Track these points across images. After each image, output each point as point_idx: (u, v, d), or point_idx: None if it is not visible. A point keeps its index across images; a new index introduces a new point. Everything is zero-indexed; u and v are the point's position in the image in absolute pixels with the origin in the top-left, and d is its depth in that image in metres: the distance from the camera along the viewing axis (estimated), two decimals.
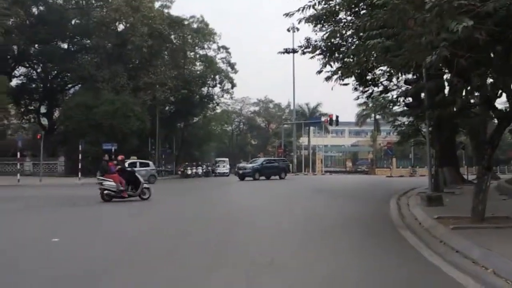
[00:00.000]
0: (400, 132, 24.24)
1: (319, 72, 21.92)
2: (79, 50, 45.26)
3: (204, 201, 18.33)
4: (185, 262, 6.65)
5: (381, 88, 24.00)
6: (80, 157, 30.92)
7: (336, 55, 20.57)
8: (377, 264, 6.53)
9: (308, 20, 18.16)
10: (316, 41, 20.50)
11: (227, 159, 58.76)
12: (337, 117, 51.38)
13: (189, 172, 42.48)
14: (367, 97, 24.23)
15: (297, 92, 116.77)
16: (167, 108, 51.33)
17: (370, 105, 67.59)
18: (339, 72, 21.69)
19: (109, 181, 16.07)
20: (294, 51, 20.83)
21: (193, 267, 6.27)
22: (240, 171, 37.69)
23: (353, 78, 23.12)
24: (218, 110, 71.61)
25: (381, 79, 23.80)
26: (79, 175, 30.24)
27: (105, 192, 16.04)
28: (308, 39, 20.37)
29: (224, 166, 52.24)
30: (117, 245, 8.08)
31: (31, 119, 49.15)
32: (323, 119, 61.15)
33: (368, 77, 23.36)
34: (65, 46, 46.79)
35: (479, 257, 6.45)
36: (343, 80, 22.22)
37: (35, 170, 36.22)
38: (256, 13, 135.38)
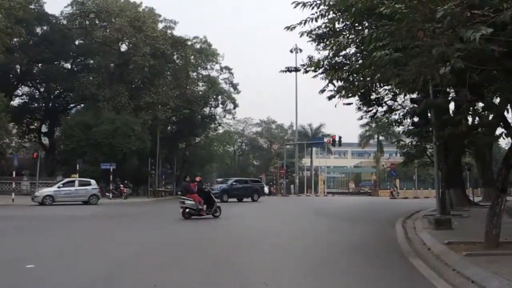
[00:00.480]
0: (405, 153, 23.67)
1: (322, 91, 21.56)
2: (82, 70, 45.13)
3: (196, 225, 17.69)
4: None
5: (385, 108, 23.59)
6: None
7: (340, 74, 20.25)
8: None
9: (309, 34, 17.76)
10: (318, 59, 20.18)
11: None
12: (340, 137, 50.85)
13: None
14: (371, 117, 23.75)
15: (300, 113, 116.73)
16: (168, 128, 51.08)
17: (373, 125, 67.65)
18: (343, 91, 21.37)
19: (190, 200, 17.44)
20: (296, 69, 20.47)
21: None
22: None
23: (356, 97, 22.79)
24: (220, 130, 71.45)
25: (386, 99, 23.44)
26: None
27: (186, 210, 17.39)
28: (310, 58, 20.04)
29: None
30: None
31: (32, 138, 48.94)
32: (325, 139, 60.71)
33: (372, 97, 22.99)
34: (68, 66, 46.82)
35: None
36: (347, 97, 21.89)
37: (32, 190, 35.64)
38: (260, 34, 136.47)
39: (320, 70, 20.16)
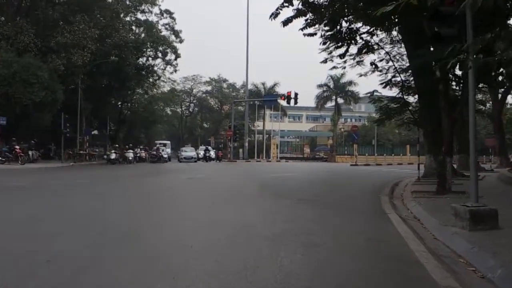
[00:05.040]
0: (382, 107, 17.84)
1: (275, 15, 15.20)
2: None
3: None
4: None
5: (359, 45, 17.63)
6: None
7: None
8: None
9: None
10: None
11: (168, 142, 51.56)
12: (296, 94, 44.58)
13: (112, 156, 34.77)
14: (340, 56, 17.65)
15: (252, 75, 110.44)
16: (104, 81, 43.29)
17: (331, 86, 62.39)
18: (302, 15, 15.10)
19: None
20: None
21: None
22: None
23: (322, 28, 16.64)
24: (165, 88, 64.55)
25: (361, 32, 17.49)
26: None
27: None
28: None
29: (163, 150, 44.59)
30: None
31: None
32: (280, 97, 54.41)
33: (342, 29, 16.94)
34: None
35: None
36: (310, 26, 15.69)
37: None
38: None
39: None
